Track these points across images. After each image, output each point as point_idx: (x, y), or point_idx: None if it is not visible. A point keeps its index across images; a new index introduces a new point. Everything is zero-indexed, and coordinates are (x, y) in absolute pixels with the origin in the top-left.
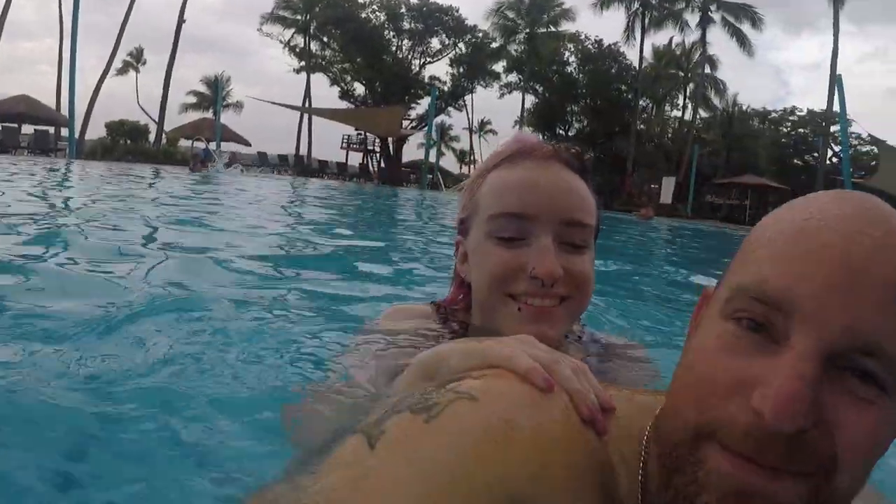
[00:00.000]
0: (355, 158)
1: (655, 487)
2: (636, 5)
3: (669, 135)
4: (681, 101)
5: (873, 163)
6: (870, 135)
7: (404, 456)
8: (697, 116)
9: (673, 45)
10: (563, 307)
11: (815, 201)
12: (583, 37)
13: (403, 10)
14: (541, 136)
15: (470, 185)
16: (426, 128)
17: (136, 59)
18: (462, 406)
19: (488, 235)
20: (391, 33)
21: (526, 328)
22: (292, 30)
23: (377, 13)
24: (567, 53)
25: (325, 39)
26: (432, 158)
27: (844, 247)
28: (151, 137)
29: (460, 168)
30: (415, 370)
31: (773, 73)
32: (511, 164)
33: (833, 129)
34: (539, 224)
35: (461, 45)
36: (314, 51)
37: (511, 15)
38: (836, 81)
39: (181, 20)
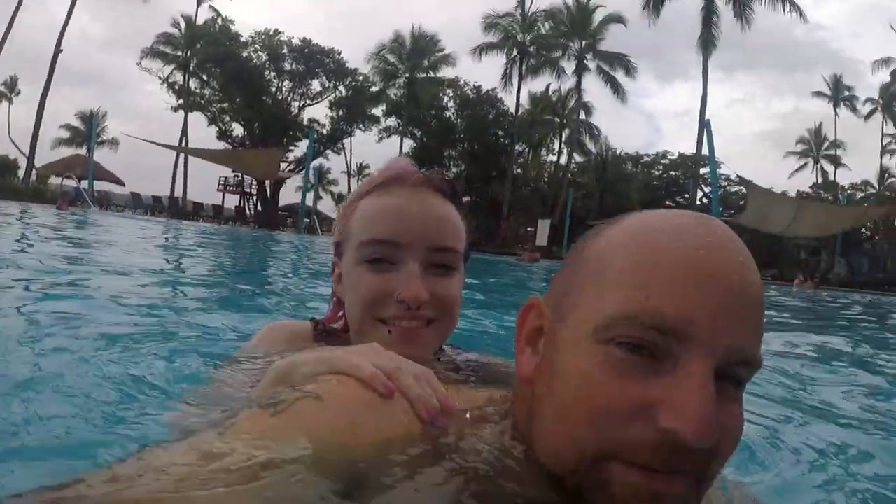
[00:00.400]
0: (232, 201)
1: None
2: (514, 53)
3: (545, 179)
4: (556, 146)
5: (742, 202)
6: (738, 175)
7: (250, 442)
8: (572, 161)
9: (550, 92)
10: (430, 329)
11: (677, 223)
12: (462, 82)
13: (285, 50)
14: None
15: (344, 210)
16: (304, 171)
17: (10, 88)
18: (307, 404)
19: (359, 261)
20: (272, 73)
21: (395, 349)
22: (172, 66)
23: (259, 52)
24: (446, 98)
25: (205, 77)
26: (309, 202)
27: (727, 275)
28: (21, 173)
29: (337, 211)
30: (270, 377)
31: (647, 119)
32: (383, 191)
33: (703, 171)
34: (408, 250)
35: (341, 87)
36: (193, 89)
37: (391, 59)
38: (704, 125)
39: (58, 49)
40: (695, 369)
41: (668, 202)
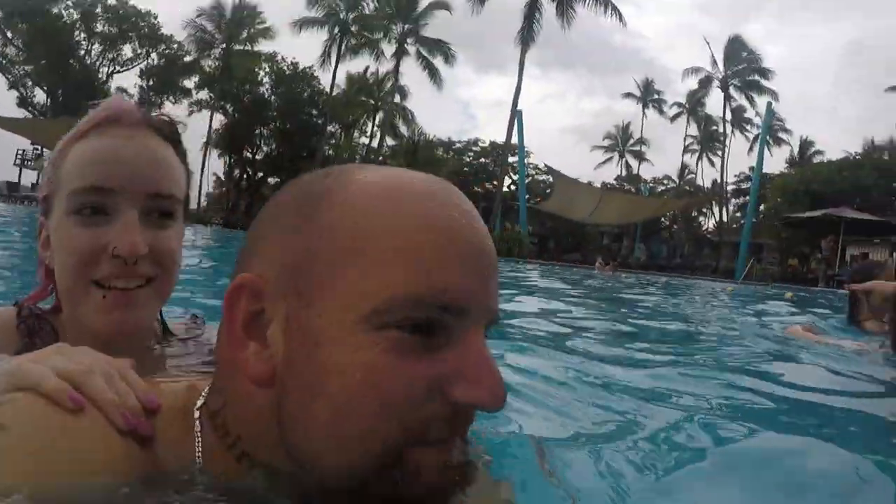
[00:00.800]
0: (31, 178)
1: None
2: (336, 30)
3: (357, 161)
4: (370, 129)
5: (548, 190)
6: (546, 165)
7: None
8: (385, 144)
9: (367, 74)
10: (150, 288)
11: (429, 188)
12: (279, 58)
13: (99, 9)
14: (227, 158)
15: (53, 158)
16: None
17: None
18: None
19: (68, 213)
20: (82, 34)
21: (113, 316)
22: None
23: (70, 10)
24: (262, 74)
25: (9, 35)
26: None
27: (484, 242)
28: None
29: None
30: None
31: (462, 108)
32: (97, 134)
33: (512, 160)
34: (122, 198)
35: (154, 55)
36: None
37: (209, 27)
38: (516, 115)
39: None
40: (474, 339)
41: (476, 188)
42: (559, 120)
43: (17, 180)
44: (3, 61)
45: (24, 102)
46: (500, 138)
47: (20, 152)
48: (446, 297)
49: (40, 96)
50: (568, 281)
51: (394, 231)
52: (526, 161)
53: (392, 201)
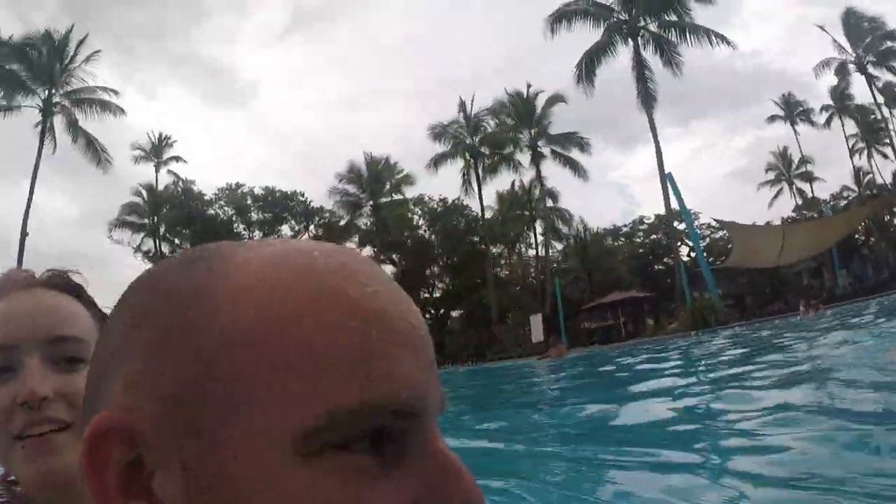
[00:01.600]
0: None
1: None
2: (468, 156)
3: (532, 274)
4: (533, 239)
5: (729, 245)
6: (715, 219)
7: None
8: (552, 249)
9: (515, 188)
10: (69, 433)
11: (339, 261)
12: (427, 198)
13: (249, 201)
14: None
15: None
16: None
17: None
18: None
19: None
20: (240, 226)
21: (35, 465)
22: (141, 234)
23: (224, 208)
24: (416, 217)
25: (176, 241)
26: None
27: (411, 315)
28: None
29: None
30: None
31: (619, 190)
32: None
33: (682, 226)
34: (23, 350)
35: (312, 227)
36: (166, 253)
37: (352, 189)
38: (667, 179)
39: (24, 233)
40: (434, 441)
41: (657, 266)
42: (718, 169)
43: None
44: None
45: None
46: (664, 209)
47: None
48: (397, 399)
49: None
50: (763, 342)
51: (311, 327)
52: (696, 223)
53: (298, 288)
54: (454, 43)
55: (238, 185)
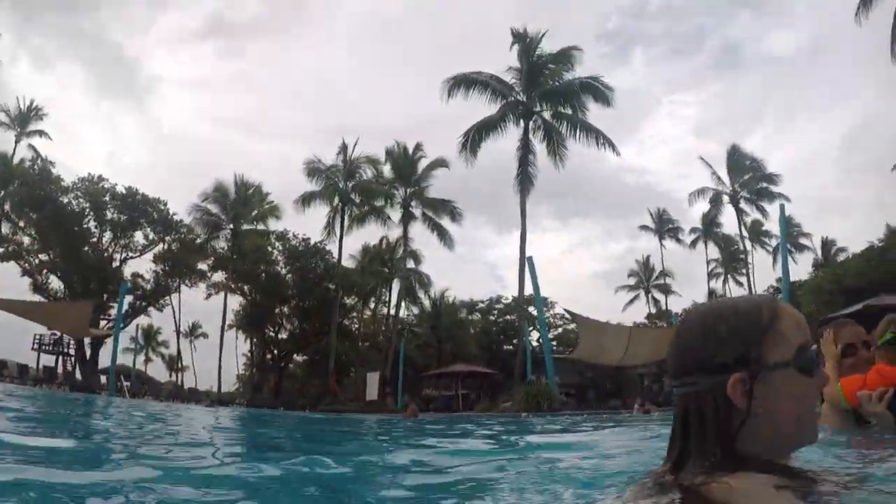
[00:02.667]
0: (47, 361)
1: None
2: (336, 201)
3: (383, 330)
4: (389, 297)
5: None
6: (567, 311)
7: None
8: (405, 310)
9: (382, 244)
10: None
11: None
12: (290, 234)
13: (108, 198)
14: (251, 339)
15: None
16: (127, 328)
17: None
18: None
19: None
20: (92, 222)
21: None
22: None
23: (79, 199)
24: (276, 252)
25: (21, 224)
26: (132, 362)
27: None
28: None
29: (170, 375)
30: None
31: (489, 269)
32: None
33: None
34: None
35: (168, 239)
36: (5, 234)
37: (215, 210)
38: (526, 262)
39: None
40: None
41: (505, 346)
42: (586, 268)
43: (35, 364)
44: (16, 248)
45: (39, 289)
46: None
47: (37, 337)
48: None
49: (56, 283)
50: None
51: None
52: (551, 311)
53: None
54: (365, 90)
55: (100, 179)
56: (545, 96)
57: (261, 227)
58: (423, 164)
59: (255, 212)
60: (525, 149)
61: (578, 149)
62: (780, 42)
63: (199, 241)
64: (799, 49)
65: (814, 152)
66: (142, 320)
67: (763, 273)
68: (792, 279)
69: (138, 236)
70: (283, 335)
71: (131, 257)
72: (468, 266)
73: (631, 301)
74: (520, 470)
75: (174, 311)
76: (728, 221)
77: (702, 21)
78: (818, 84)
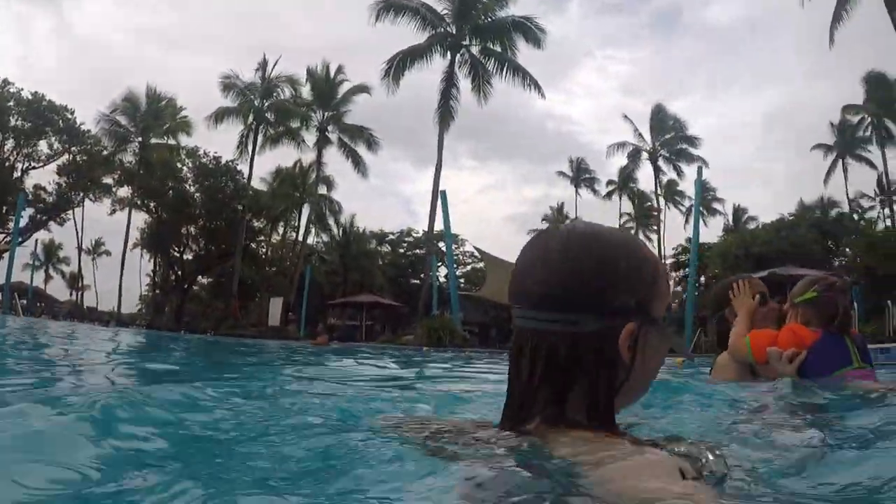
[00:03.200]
0: None
1: None
2: (251, 119)
3: (291, 255)
4: (298, 223)
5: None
6: (475, 248)
7: None
8: (315, 236)
9: (297, 168)
10: None
11: None
12: (202, 152)
13: (12, 103)
14: (155, 258)
15: None
16: (26, 243)
17: None
18: None
19: None
20: None
21: None
22: None
23: None
24: (185, 169)
25: None
26: (30, 280)
27: None
28: None
29: (70, 294)
30: None
31: (404, 204)
32: None
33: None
34: None
35: (74, 150)
36: None
37: (124, 121)
38: (438, 196)
39: None
40: None
41: (413, 280)
42: (501, 210)
43: None
44: None
45: None
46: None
47: None
48: None
49: None
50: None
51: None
52: (462, 248)
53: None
54: (295, 8)
55: (6, 83)
56: (476, 31)
57: (172, 142)
58: (344, 88)
59: (167, 125)
60: (449, 81)
61: (505, 92)
62: (720, 13)
63: (105, 153)
64: (738, 23)
65: (737, 124)
66: (42, 235)
67: (673, 232)
68: (701, 241)
69: (42, 145)
70: (189, 256)
71: (34, 167)
72: (384, 199)
73: None
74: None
75: (76, 227)
76: (644, 178)
77: None
78: (751, 60)
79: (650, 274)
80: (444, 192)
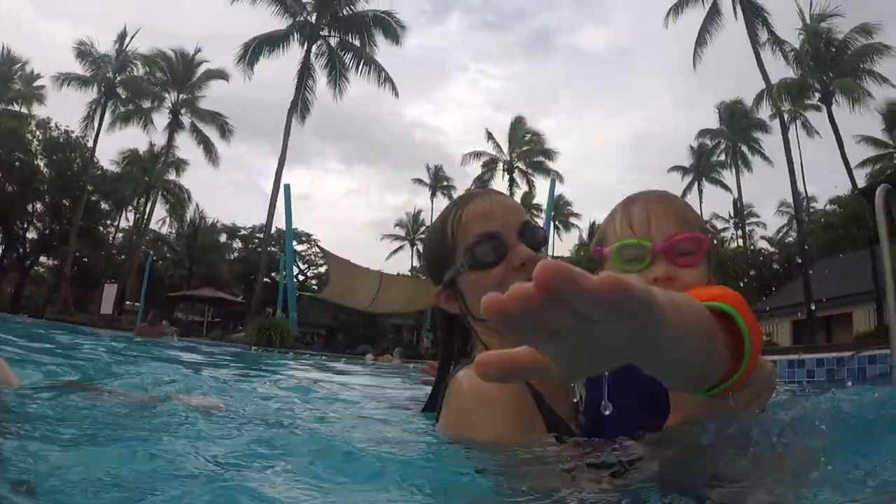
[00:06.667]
0: None
1: None
2: (102, 91)
3: (133, 241)
4: (145, 208)
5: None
6: (319, 247)
7: None
8: (170, 228)
9: (152, 148)
10: None
11: None
12: (53, 124)
13: None
14: None
15: None
16: None
17: None
18: None
19: None
20: None
21: None
22: None
23: None
24: (35, 141)
25: None
26: None
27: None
28: None
29: None
30: None
31: (265, 200)
32: None
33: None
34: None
35: None
36: None
37: None
38: (282, 191)
39: None
40: None
41: (265, 278)
42: (362, 214)
43: None
44: None
45: None
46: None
47: None
48: None
49: None
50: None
51: None
52: (312, 249)
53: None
54: None
55: None
56: (335, 22)
57: (24, 110)
58: (202, 70)
59: (19, 88)
60: (304, 71)
61: (376, 98)
62: (592, 38)
63: None
64: (608, 48)
65: (600, 146)
66: None
67: None
68: (557, 254)
69: None
70: (34, 234)
71: None
72: (247, 194)
73: (395, 251)
74: None
75: None
76: (501, 189)
77: (523, 2)
78: (619, 85)
79: (444, 244)
80: (287, 186)
